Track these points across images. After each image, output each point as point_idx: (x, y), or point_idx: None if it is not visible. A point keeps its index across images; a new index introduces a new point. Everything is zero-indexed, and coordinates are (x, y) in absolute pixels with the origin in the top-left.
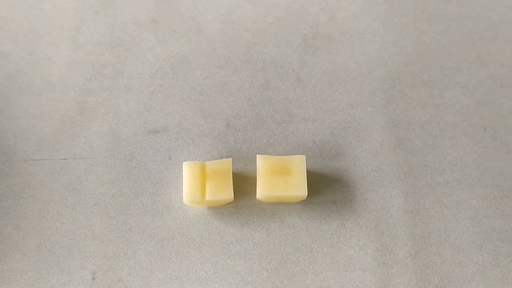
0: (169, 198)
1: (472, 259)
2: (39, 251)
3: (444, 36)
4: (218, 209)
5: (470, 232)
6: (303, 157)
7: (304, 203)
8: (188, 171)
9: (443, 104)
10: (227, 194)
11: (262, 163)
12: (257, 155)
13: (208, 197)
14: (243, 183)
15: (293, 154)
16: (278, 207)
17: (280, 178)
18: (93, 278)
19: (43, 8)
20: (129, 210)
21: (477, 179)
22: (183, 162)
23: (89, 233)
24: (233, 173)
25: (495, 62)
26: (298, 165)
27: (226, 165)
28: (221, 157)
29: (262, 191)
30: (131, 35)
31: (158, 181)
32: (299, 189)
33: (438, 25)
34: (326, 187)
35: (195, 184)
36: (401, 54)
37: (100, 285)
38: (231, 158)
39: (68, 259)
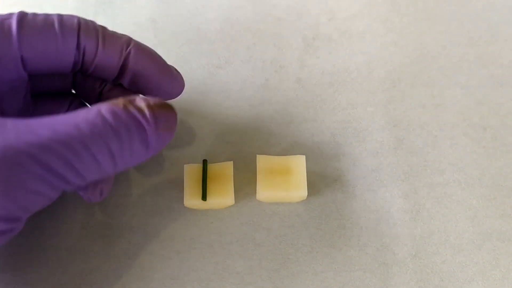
0: (170, 198)
1: (472, 259)
2: (40, 251)
3: (444, 36)
4: (218, 209)
5: (470, 232)
6: (303, 157)
7: (304, 203)
8: (189, 175)
9: (443, 104)
10: (228, 198)
11: (262, 163)
12: (257, 155)
13: (209, 201)
14: (243, 184)
15: (293, 154)
16: (278, 207)
17: (280, 178)
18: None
19: (43, 8)
20: (130, 210)
21: (477, 179)
22: (184, 165)
23: (90, 233)
24: (233, 174)
25: (495, 62)
26: (298, 165)
27: (227, 168)
28: (222, 158)
29: (262, 191)
30: (131, 35)
31: (158, 181)
32: (299, 189)
33: (438, 25)
34: (326, 187)
35: (196, 188)
36: (401, 54)
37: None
38: (232, 161)
39: (69, 259)
